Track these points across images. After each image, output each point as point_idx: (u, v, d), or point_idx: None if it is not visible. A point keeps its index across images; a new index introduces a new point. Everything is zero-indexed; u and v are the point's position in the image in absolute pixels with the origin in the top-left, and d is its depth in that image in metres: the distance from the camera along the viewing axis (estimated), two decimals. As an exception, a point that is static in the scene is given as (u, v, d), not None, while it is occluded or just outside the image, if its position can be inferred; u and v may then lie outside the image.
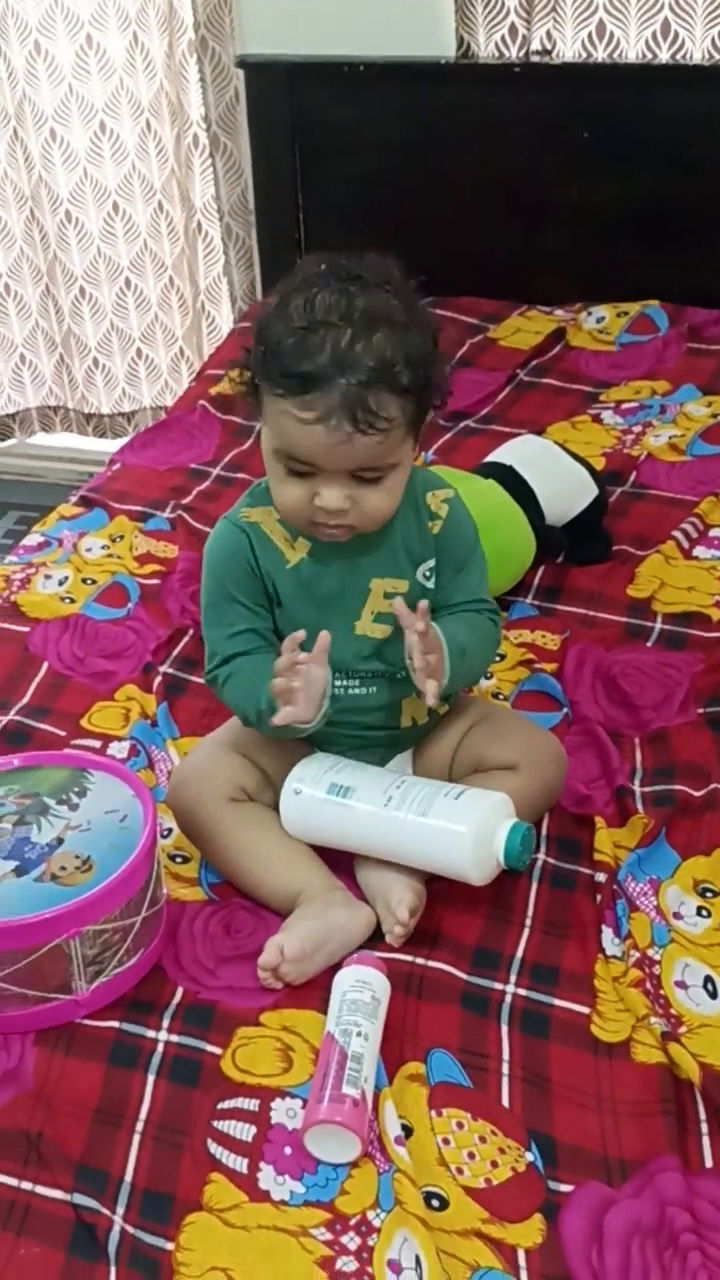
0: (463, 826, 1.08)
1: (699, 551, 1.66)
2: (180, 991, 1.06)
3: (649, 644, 1.51)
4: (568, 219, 2.30)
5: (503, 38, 2.23)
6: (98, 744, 1.36)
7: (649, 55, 2.19)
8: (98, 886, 1.01)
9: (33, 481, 3.06)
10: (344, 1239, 0.87)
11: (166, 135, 2.66)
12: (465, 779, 1.19)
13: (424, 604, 1.11)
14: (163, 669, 1.47)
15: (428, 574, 1.19)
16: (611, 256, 2.31)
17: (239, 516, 1.19)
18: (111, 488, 1.89)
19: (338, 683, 1.16)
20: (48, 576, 1.65)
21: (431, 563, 1.19)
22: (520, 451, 1.65)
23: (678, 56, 2.17)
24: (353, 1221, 0.88)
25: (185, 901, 1.15)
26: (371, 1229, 0.87)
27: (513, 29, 2.22)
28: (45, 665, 1.49)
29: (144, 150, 2.69)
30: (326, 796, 1.15)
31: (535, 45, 2.24)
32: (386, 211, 2.40)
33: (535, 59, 2.23)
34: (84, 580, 1.65)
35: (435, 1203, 0.90)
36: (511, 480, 1.59)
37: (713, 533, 1.70)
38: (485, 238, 2.37)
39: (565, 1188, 0.91)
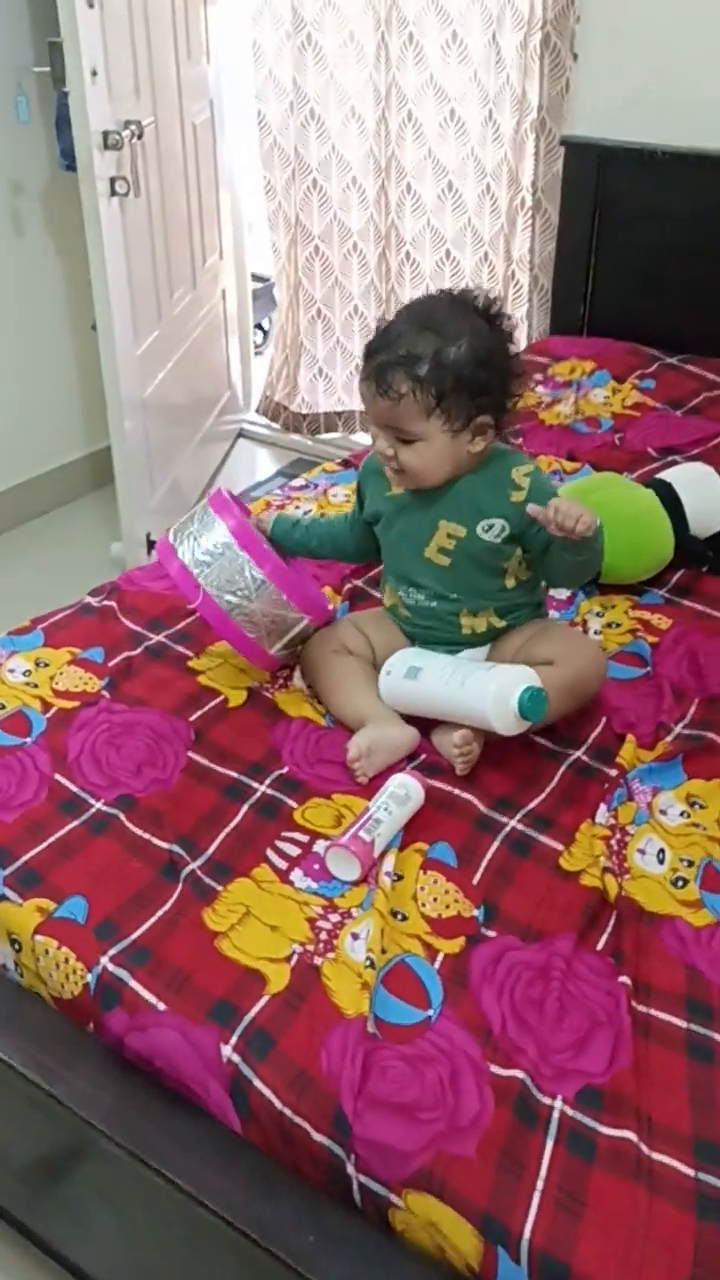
0: (487, 688, 1.46)
1: None
2: (286, 769, 1.50)
3: (745, 643, 1.79)
4: None
5: (788, 139, 2.55)
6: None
7: None
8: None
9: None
10: (330, 915, 1.28)
11: (501, 196, 3.15)
12: (521, 672, 1.56)
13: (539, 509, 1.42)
14: (354, 582, 1.93)
15: (486, 528, 1.51)
16: None
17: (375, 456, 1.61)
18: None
19: (412, 592, 1.59)
20: (296, 506, 2.16)
21: (496, 521, 1.50)
22: (681, 473, 1.99)
23: None
24: (339, 910, 1.29)
25: (310, 720, 1.60)
26: (349, 916, 1.28)
27: None
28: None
29: (480, 207, 3.20)
30: (404, 676, 1.56)
31: None
32: (663, 277, 2.77)
33: None
34: (320, 514, 2.14)
35: (398, 916, 1.28)
36: (665, 492, 1.93)
37: None
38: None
39: (491, 934, 1.27)
